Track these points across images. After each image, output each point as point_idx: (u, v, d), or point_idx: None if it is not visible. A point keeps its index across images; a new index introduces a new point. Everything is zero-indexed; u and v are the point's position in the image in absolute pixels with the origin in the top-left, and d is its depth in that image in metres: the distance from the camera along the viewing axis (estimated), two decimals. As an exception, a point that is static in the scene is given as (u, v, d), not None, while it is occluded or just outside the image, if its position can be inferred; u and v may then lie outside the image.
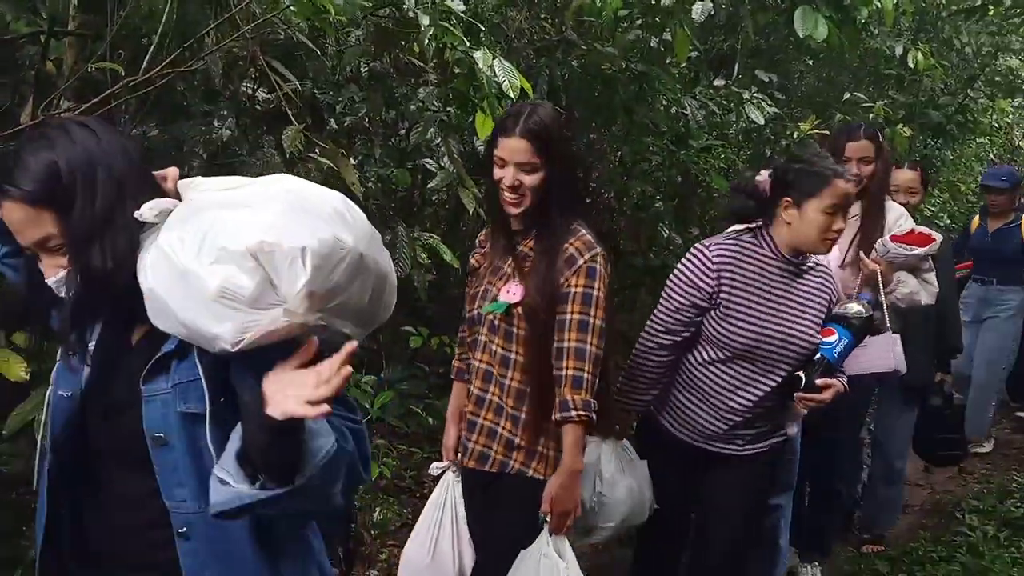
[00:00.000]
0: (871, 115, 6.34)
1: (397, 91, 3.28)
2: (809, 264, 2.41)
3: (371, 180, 3.32)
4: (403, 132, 3.69)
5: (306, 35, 2.83)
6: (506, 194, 2.08)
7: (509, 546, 2.07)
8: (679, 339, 2.35)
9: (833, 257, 2.88)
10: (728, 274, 2.31)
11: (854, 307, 2.37)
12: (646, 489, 2.29)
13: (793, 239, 2.33)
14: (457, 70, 2.99)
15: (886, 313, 3.08)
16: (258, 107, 3.53)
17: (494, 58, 2.76)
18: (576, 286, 2.02)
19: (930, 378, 3.73)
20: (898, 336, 3.09)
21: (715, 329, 2.33)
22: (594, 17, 4.63)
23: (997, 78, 8.36)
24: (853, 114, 6.50)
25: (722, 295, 2.30)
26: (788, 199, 2.30)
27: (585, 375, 2.00)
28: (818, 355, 2.33)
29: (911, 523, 4.07)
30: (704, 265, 2.32)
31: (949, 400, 3.82)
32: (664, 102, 5.38)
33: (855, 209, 3.09)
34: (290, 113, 2.61)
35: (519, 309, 2.06)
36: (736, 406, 2.36)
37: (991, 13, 4.60)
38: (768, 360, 2.33)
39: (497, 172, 2.10)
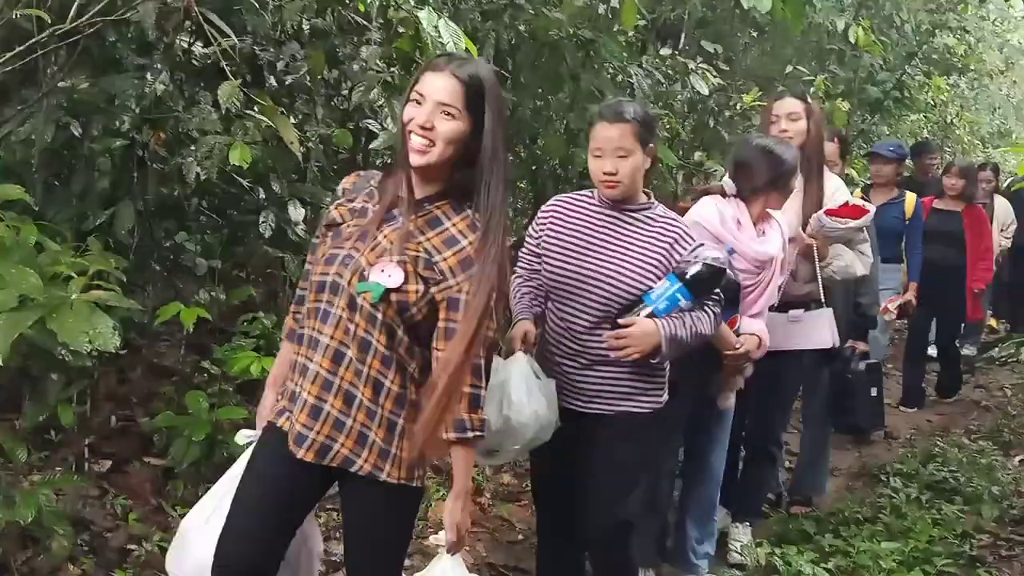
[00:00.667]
0: (812, 89, 6.44)
1: (339, 50, 3.20)
2: (646, 214, 2.39)
3: (311, 140, 3.25)
4: (346, 92, 3.62)
5: (244, -12, 2.73)
6: (414, 136, 1.74)
7: (383, 547, 1.91)
8: (526, 276, 2.51)
9: (788, 226, 2.93)
10: (551, 221, 2.45)
11: (696, 264, 2.29)
12: (553, 411, 2.24)
13: None
14: (402, 30, 2.94)
15: (821, 287, 3.16)
16: (195, 62, 3.43)
17: (439, 18, 2.71)
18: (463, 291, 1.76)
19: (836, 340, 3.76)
20: (831, 311, 3.19)
21: (541, 269, 2.45)
22: (542, -19, 4.59)
23: (934, 56, 8.55)
24: (794, 87, 6.59)
25: (543, 238, 2.44)
26: None
27: (481, 392, 1.80)
28: (641, 301, 2.31)
29: (838, 485, 4.21)
30: (538, 216, 2.54)
31: (850, 366, 3.81)
32: (611, 70, 5.38)
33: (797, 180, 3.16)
34: (227, 69, 2.53)
35: (394, 296, 1.74)
36: (572, 349, 2.38)
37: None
38: (581, 298, 2.35)
39: (409, 111, 1.76)
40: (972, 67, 10.07)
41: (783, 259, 2.88)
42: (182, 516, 2.92)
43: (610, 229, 2.38)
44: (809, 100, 3.26)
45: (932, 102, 10.09)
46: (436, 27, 2.68)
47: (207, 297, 3.53)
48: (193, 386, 3.33)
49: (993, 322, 8.08)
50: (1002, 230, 6.86)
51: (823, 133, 3.32)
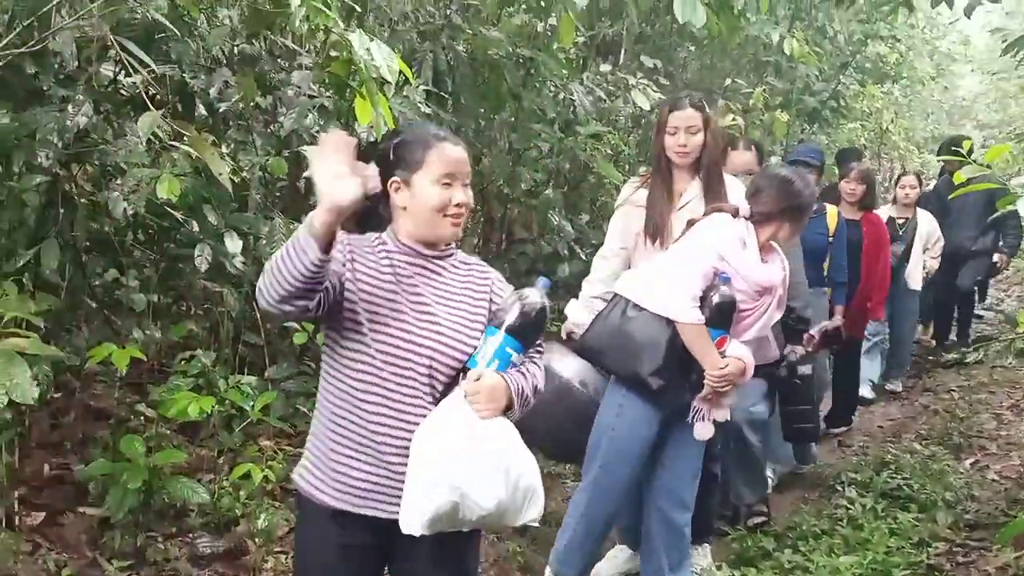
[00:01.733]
0: (751, 101, 6.53)
1: (270, 75, 3.11)
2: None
3: (246, 169, 3.14)
4: (282, 119, 3.52)
5: (166, 16, 2.63)
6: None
7: None
8: None
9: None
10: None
11: (516, 310, 1.87)
12: None
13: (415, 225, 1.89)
14: (334, 53, 2.86)
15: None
16: (122, 92, 3.31)
17: (371, 40, 2.64)
18: None
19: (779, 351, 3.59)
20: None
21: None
22: (478, 1, 4.56)
23: (867, 65, 8.75)
24: (734, 100, 6.68)
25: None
26: (396, 180, 1.87)
27: None
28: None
29: (795, 497, 4.21)
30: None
31: (794, 371, 3.66)
32: (552, 88, 5.37)
33: (695, 189, 3.09)
34: (147, 98, 2.42)
35: None
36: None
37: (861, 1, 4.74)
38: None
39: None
40: (904, 75, 10.35)
41: (781, 294, 2.83)
42: (119, 570, 2.81)
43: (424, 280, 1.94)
44: (707, 109, 3.11)
45: (867, 110, 10.33)
46: (368, 50, 2.61)
47: (142, 335, 3.39)
48: (130, 429, 3.18)
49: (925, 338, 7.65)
50: (927, 248, 6.23)
51: (721, 140, 3.23)
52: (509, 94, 4.86)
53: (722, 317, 2.60)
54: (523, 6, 4.98)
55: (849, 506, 3.83)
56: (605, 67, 5.85)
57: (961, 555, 3.47)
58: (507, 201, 5.53)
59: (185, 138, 2.66)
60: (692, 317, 2.64)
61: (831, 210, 4.62)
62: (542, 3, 4.54)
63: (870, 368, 6.08)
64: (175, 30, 2.71)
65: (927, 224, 6.17)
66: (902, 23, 9.05)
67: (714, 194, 3.03)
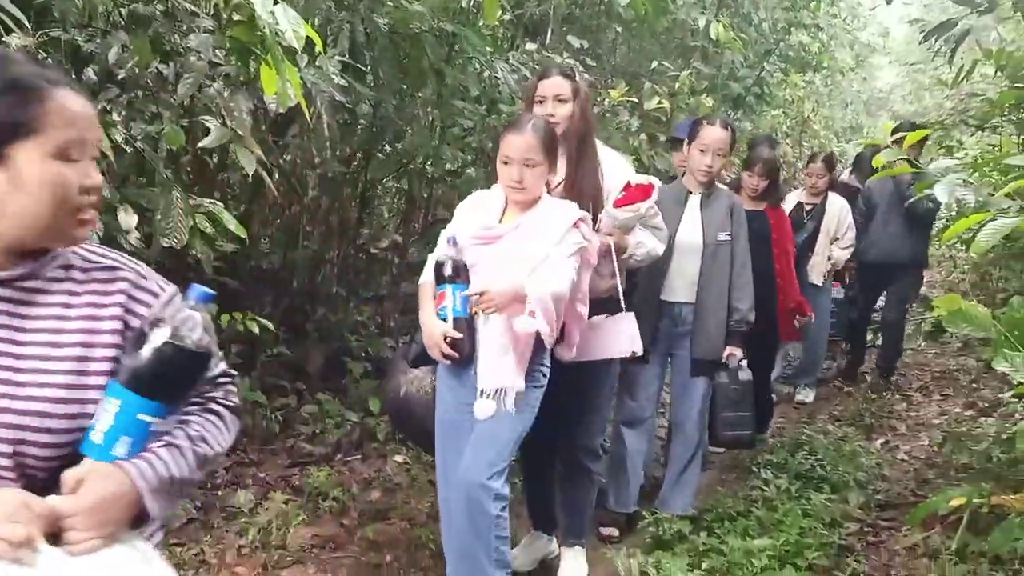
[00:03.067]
0: (677, 84, 6.52)
1: (167, 39, 2.91)
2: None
3: (139, 139, 2.94)
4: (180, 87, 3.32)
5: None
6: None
7: None
8: None
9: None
10: None
11: (145, 353, 1.19)
12: None
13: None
14: (236, 17, 2.68)
15: (621, 290, 2.95)
16: (8, 54, 3.06)
17: (276, 3, 2.47)
18: None
19: (719, 352, 3.56)
20: (631, 314, 2.96)
21: None
22: (400, -29, 4.39)
23: (790, 53, 8.86)
24: (661, 83, 6.65)
25: None
26: None
27: None
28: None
29: (711, 479, 4.23)
30: None
31: (735, 376, 3.60)
32: (476, 66, 5.24)
33: (562, 162, 2.86)
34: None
35: None
36: None
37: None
38: None
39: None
40: (825, 64, 10.53)
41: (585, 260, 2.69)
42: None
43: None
44: (577, 78, 2.95)
45: (790, 98, 10.50)
46: (272, 13, 2.45)
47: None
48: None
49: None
50: (836, 239, 5.54)
51: (590, 117, 2.98)
52: (431, 70, 4.71)
53: (451, 273, 2.54)
54: (447, -21, 4.83)
55: (764, 488, 3.86)
56: (531, 46, 5.75)
57: (872, 535, 3.52)
58: (430, 180, 5.40)
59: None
60: (422, 279, 2.73)
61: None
62: (465, -24, 4.40)
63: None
64: (57, -16, 2.49)
65: (836, 210, 5.52)
66: (824, 12, 9.21)
67: (582, 168, 2.89)
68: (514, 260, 2.55)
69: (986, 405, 5.25)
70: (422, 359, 2.77)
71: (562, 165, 2.86)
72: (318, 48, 3.23)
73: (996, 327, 2.30)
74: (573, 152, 2.90)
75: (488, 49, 5.17)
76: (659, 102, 5.99)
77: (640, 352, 2.98)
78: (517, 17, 5.95)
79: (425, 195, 5.71)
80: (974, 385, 5.99)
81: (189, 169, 4.26)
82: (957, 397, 5.81)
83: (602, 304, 2.93)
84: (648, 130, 5.97)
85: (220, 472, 3.42)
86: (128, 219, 2.94)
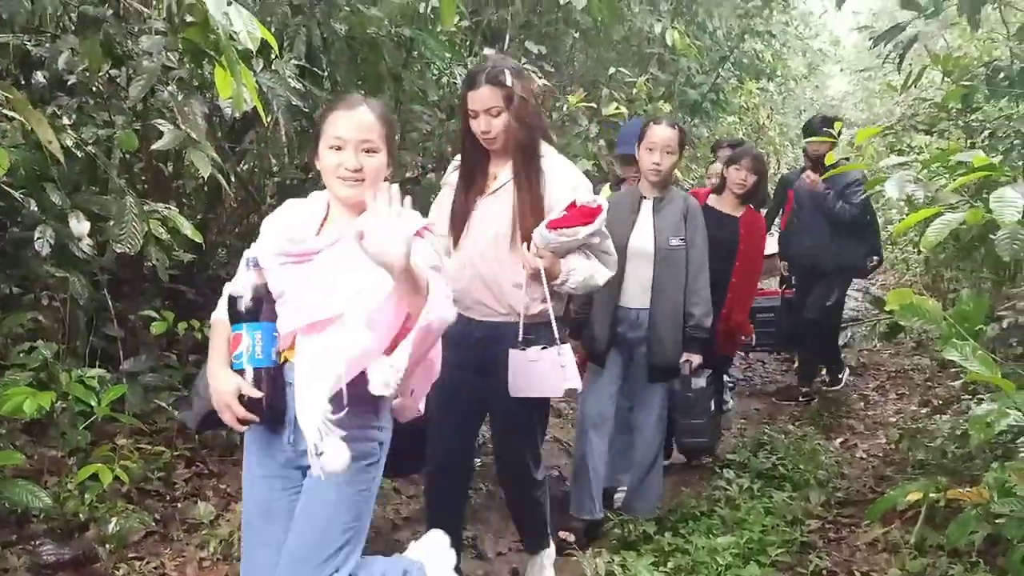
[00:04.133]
0: (634, 90, 6.57)
1: (118, 41, 2.86)
2: None
3: (90, 143, 2.88)
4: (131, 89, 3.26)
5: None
6: None
7: None
8: None
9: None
10: None
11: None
12: None
13: None
14: (189, 18, 2.65)
15: (554, 317, 2.68)
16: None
17: (230, 4, 2.44)
18: None
19: (675, 359, 3.51)
20: (567, 346, 2.70)
21: None
22: (356, -24, 4.37)
23: (745, 60, 8.99)
24: (619, 90, 6.71)
25: None
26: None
27: None
28: None
29: (675, 480, 4.24)
30: None
31: (688, 384, 3.56)
32: (435, 71, 5.24)
33: (507, 173, 2.67)
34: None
35: None
36: None
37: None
38: None
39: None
40: (779, 72, 10.72)
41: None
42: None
43: None
44: (509, 80, 2.58)
45: (745, 105, 10.65)
46: (226, 14, 2.41)
47: (-24, 326, 3.08)
48: (-37, 429, 2.88)
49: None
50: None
51: (532, 120, 2.65)
52: (389, 74, 4.68)
53: (249, 307, 1.94)
54: (404, -15, 4.82)
55: (727, 487, 3.89)
56: (490, 51, 5.75)
57: (833, 531, 3.56)
58: (388, 183, 5.37)
59: (11, 105, 2.39)
60: (214, 316, 2.11)
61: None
62: (423, -19, 4.39)
63: None
64: (2, -16, 2.44)
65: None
66: (777, 20, 9.37)
67: (527, 178, 2.64)
68: (333, 284, 1.92)
69: (940, 403, 5.35)
70: (209, 422, 2.08)
71: (507, 176, 2.67)
72: (274, 52, 3.21)
73: (946, 319, 2.35)
74: (517, 162, 2.65)
75: (446, 54, 5.17)
76: (617, 108, 6.03)
77: (579, 388, 2.70)
78: (476, 23, 5.96)
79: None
80: (928, 383, 6.11)
81: (143, 177, 4.19)
82: (912, 395, 5.92)
83: (536, 331, 2.68)
84: (607, 136, 6.01)
85: (179, 484, 3.35)
86: (80, 226, 2.89)
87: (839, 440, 4.98)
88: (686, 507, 3.67)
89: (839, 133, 2.86)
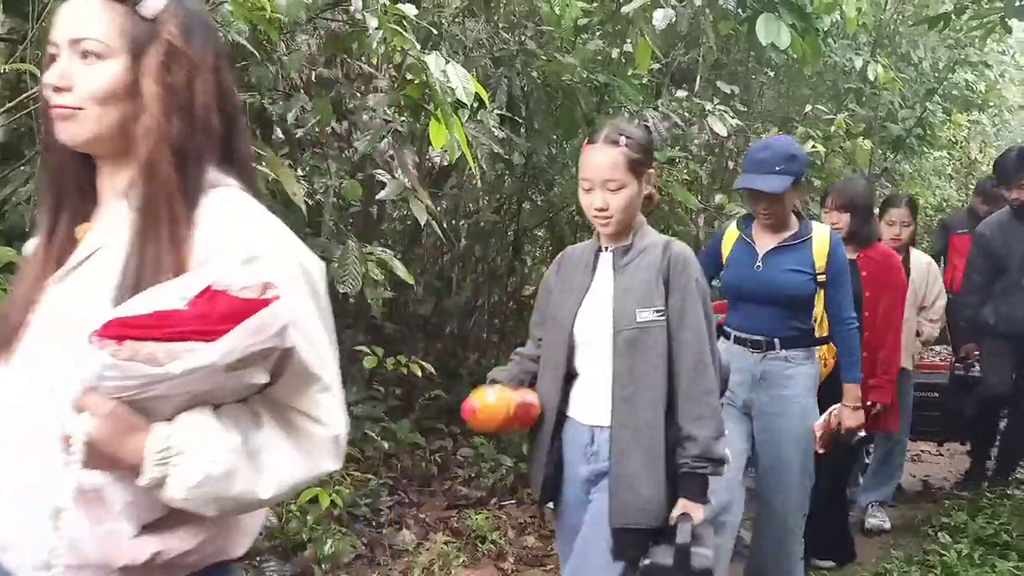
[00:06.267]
0: (832, 128, 6.34)
1: (346, 100, 3.12)
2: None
3: (320, 192, 3.15)
4: (356, 143, 3.55)
5: (247, 39, 2.65)
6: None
7: None
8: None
9: None
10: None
11: None
12: None
13: None
14: (410, 76, 2.85)
15: None
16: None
17: (447, 62, 2.61)
18: None
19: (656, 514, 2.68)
20: None
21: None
22: (553, 27, 4.54)
23: (954, 92, 8.44)
24: (814, 127, 6.49)
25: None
26: None
27: None
28: None
29: (882, 543, 3.98)
30: None
31: (685, 559, 2.36)
32: (626, 114, 5.31)
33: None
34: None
35: None
36: None
37: (952, 25, 4.54)
38: None
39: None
40: (992, 103, 9.95)
41: None
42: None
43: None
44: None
45: (954, 139, 9.96)
46: (444, 71, 2.59)
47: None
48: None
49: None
50: (923, 307, 4.18)
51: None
52: (583, 119, 4.81)
53: None
54: (598, 32, 4.94)
55: (943, 552, 3.60)
56: (681, 93, 5.75)
57: (1068, 609, 3.21)
58: (578, 228, 5.47)
59: (262, 160, 2.67)
60: None
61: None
62: (618, 28, 4.48)
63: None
64: (255, 53, 2.73)
65: (922, 272, 4.15)
66: (992, 49, 8.74)
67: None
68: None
69: None
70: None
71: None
72: (481, 103, 3.38)
73: None
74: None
75: (638, 97, 5.22)
76: (813, 146, 5.84)
77: None
78: (666, 65, 5.98)
79: (572, 242, 5.78)
80: None
81: (351, 220, 4.51)
82: None
83: None
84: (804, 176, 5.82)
85: (384, 510, 3.54)
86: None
87: (1072, 507, 4.48)
88: (897, 571, 3.43)
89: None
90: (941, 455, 5.14)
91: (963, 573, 3.37)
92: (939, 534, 3.85)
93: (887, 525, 4.18)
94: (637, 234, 2.19)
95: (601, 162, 2.11)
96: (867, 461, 4.42)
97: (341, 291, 2.90)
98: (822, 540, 3.39)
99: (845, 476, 3.76)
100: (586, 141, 2.21)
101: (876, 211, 3.91)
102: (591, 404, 2.15)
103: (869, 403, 3.26)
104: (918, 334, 4.15)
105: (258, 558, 3.05)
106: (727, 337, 3.00)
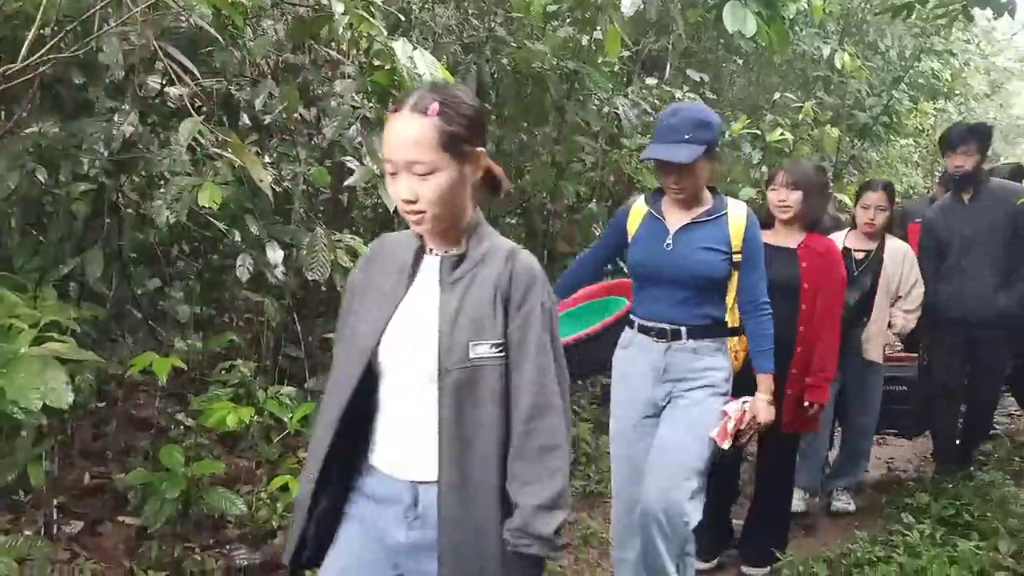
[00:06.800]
0: (800, 115, 6.41)
1: (314, 86, 3.10)
2: None
3: (288, 179, 3.14)
4: (325, 130, 3.53)
5: (211, 24, 2.63)
6: None
7: None
8: None
9: None
10: None
11: None
12: None
13: None
14: (377, 62, 2.84)
15: None
16: (169, 104, 3.34)
17: (415, 48, 2.61)
18: None
19: None
20: None
21: None
22: (523, 13, 4.54)
23: (920, 80, 8.56)
24: (783, 115, 6.56)
25: None
26: None
27: None
28: None
29: (847, 523, 4.05)
30: None
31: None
32: (596, 101, 5.32)
33: None
34: (192, 110, 2.42)
35: None
36: None
37: (916, 14, 4.60)
38: None
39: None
40: (958, 91, 10.10)
41: None
42: (153, 581, 2.77)
43: None
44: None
45: (920, 127, 10.10)
46: (411, 58, 2.58)
47: (184, 345, 3.40)
48: (170, 439, 3.18)
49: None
50: (900, 297, 4.05)
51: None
52: (553, 107, 4.82)
53: None
54: (568, 19, 4.95)
55: (905, 533, 3.67)
56: (651, 81, 5.78)
57: (1026, 586, 3.29)
58: (549, 215, 5.48)
59: (227, 147, 2.65)
60: None
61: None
62: (587, 15, 4.49)
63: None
64: (220, 38, 2.71)
65: (898, 261, 4.02)
66: (957, 38, 8.86)
67: None
68: None
69: None
70: None
71: None
72: (450, 90, 3.36)
73: None
74: None
75: (608, 85, 5.24)
76: (782, 134, 5.90)
77: None
78: (636, 53, 6.01)
79: (544, 230, 5.80)
80: None
81: (321, 208, 4.49)
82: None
83: None
84: (770, 162, 5.88)
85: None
86: (275, 255, 3.13)
87: (1032, 486, 4.59)
88: (861, 551, 3.49)
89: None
90: (905, 438, 5.24)
91: (925, 552, 3.43)
92: (902, 515, 3.93)
93: (852, 507, 4.26)
94: (473, 237, 1.66)
95: (404, 137, 1.55)
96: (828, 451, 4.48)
97: (310, 278, 2.88)
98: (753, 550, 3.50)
99: (790, 476, 3.63)
100: (390, 107, 1.65)
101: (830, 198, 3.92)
102: (409, 454, 1.65)
103: (807, 403, 3.23)
104: (890, 326, 4.05)
105: (228, 546, 3.04)
106: (631, 325, 2.81)
